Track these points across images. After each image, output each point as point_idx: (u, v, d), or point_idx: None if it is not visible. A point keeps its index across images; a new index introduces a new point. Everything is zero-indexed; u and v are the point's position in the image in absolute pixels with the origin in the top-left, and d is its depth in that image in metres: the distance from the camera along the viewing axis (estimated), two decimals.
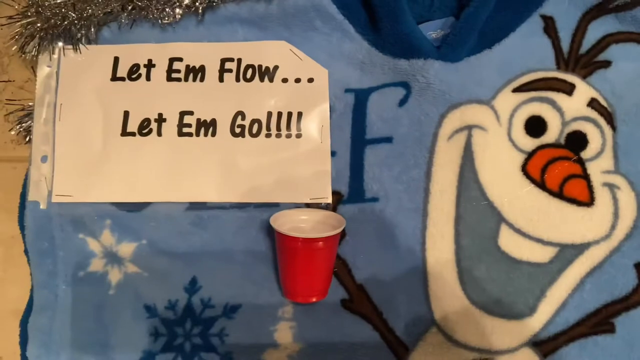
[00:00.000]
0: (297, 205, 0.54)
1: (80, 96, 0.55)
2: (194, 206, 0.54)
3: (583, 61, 0.54)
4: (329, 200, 0.54)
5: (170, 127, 0.54)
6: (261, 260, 0.54)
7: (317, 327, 0.52)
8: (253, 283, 0.53)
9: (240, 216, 0.54)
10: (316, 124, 0.54)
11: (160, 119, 0.54)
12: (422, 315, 0.52)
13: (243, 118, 0.54)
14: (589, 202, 0.51)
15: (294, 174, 0.54)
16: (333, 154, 0.54)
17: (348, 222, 0.53)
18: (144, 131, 0.54)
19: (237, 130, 0.54)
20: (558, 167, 0.52)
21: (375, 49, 0.55)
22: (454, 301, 0.52)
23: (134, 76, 0.55)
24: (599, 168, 0.51)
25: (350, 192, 0.54)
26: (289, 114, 0.54)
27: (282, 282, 0.52)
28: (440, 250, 0.52)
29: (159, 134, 0.54)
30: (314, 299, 0.51)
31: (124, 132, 0.54)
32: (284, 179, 0.54)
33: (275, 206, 0.54)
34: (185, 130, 0.54)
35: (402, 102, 0.54)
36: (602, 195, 0.51)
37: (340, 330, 0.52)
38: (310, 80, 0.55)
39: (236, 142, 0.54)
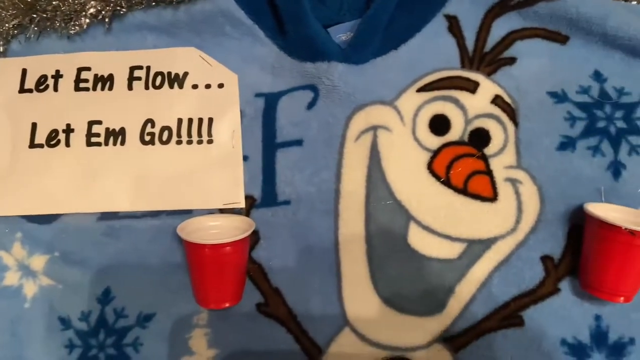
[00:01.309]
0: (211, 211, 0.54)
1: None
2: (106, 216, 0.54)
3: (488, 59, 0.55)
4: (242, 204, 0.54)
5: (78, 137, 0.54)
6: (177, 268, 0.53)
7: (233, 333, 0.52)
8: (169, 291, 0.53)
9: (154, 224, 0.54)
10: (227, 129, 0.54)
11: (69, 130, 0.54)
12: (335, 316, 0.52)
13: (153, 125, 0.54)
14: (493, 197, 0.52)
15: (207, 179, 0.54)
16: (245, 158, 0.54)
17: (262, 226, 0.53)
18: (52, 142, 0.54)
19: (147, 138, 0.54)
20: (462, 164, 0.52)
21: (284, 52, 0.55)
22: (366, 300, 0.52)
23: (41, 87, 0.55)
24: (501, 164, 0.52)
25: (263, 196, 0.54)
26: (200, 120, 0.54)
27: (194, 289, 0.51)
28: (352, 250, 0.52)
29: (67, 144, 0.54)
30: (226, 305, 0.51)
31: (32, 144, 0.54)
32: (197, 185, 0.54)
33: (188, 213, 0.54)
34: (93, 140, 0.54)
35: (311, 105, 0.54)
36: (505, 190, 0.52)
37: (256, 335, 0.52)
38: (221, 85, 0.55)
39: (146, 150, 0.54)
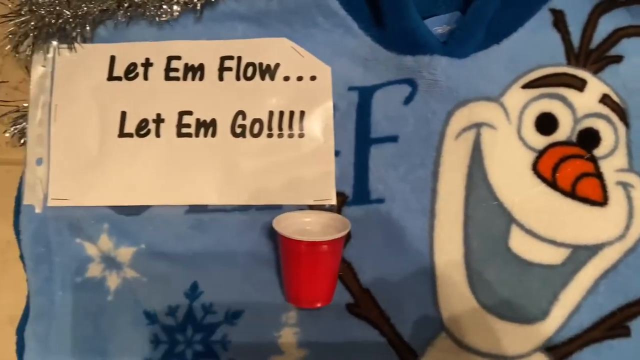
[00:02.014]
0: (301, 207, 0.52)
1: (75, 96, 0.53)
2: (194, 209, 0.52)
3: (594, 56, 0.52)
4: (333, 201, 0.52)
5: (168, 127, 0.52)
6: (263, 264, 0.52)
7: (322, 333, 0.51)
8: (255, 288, 0.52)
9: (242, 219, 0.52)
10: (319, 123, 0.53)
11: (159, 120, 0.53)
12: (431, 320, 0.50)
13: (244, 118, 0.53)
14: (603, 201, 0.49)
15: (297, 175, 0.52)
16: (337, 153, 0.52)
17: (353, 224, 0.51)
18: (142, 132, 0.52)
19: (238, 130, 0.53)
20: (570, 165, 0.50)
21: (379, 45, 0.53)
22: (463, 305, 0.50)
23: (131, 75, 0.53)
24: (612, 166, 0.50)
25: (355, 193, 0.52)
26: (291, 113, 0.53)
27: (286, 287, 0.50)
28: (448, 252, 0.50)
29: (157, 134, 0.52)
30: (318, 305, 0.49)
31: (121, 133, 0.52)
32: (287, 180, 0.52)
33: (277, 208, 0.52)
34: (184, 130, 0.52)
35: (408, 100, 0.52)
36: (616, 195, 0.49)
37: (346, 336, 0.51)
38: (313, 78, 0.53)
39: (237, 142, 0.52)
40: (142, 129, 0.52)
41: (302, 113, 0.53)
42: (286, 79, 0.53)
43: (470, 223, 0.50)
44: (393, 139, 0.52)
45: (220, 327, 0.51)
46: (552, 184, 0.50)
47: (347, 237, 0.52)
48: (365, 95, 0.53)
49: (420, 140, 0.52)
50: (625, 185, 0.49)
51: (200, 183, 0.52)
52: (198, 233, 0.52)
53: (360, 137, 0.52)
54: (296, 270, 0.48)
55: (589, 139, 0.50)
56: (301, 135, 0.53)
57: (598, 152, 0.50)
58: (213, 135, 0.52)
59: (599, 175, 0.50)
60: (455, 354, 0.49)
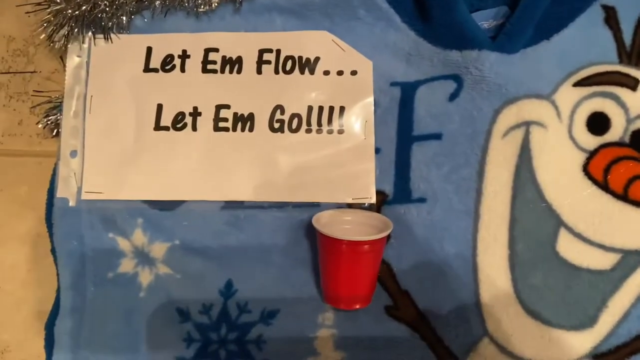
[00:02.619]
0: (339, 206, 0.51)
1: (111, 88, 0.52)
2: (230, 205, 0.51)
3: None
4: (373, 200, 0.50)
5: (205, 121, 0.51)
6: (300, 263, 0.51)
7: (360, 335, 0.49)
8: (292, 287, 0.50)
9: (279, 216, 0.51)
10: (359, 119, 0.51)
11: (196, 113, 0.51)
12: (473, 325, 0.48)
13: (282, 112, 0.51)
14: None
15: (336, 172, 0.51)
16: (377, 151, 0.51)
17: (394, 224, 0.50)
18: (178, 125, 0.51)
19: (276, 125, 0.51)
20: (622, 167, 0.48)
21: (424, 39, 0.51)
22: (507, 310, 0.48)
23: (167, 67, 0.52)
24: None
25: (396, 191, 0.50)
26: (331, 109, 0.51)
27: (324, 287, 0.48)
28: (492, 255, 0.49)
29: (194, 128, 0.51)
30: (357, 306, 0.48)
31: (157, 126, 0.51)
32: (325, 178, 0.51)
33: (315, 206, 0.51)
34: (221, 124, 0.51)
35: (453, 97, 0.50)
36: None
37: (384, 339, 0.49)
38: (354, 72, 0.52)
39: (275, 137, 0.51)
40: (178, 122, 0.51)
41: (342, 108, 0.51)
42: (326, 73, 0.52)
43: (516, 225, 0.49)
44: (437, 136, 0.50)
45: (256, 327, 0.50)
46: (604, 186, 0.48)
47: (387, 237, 0.50)
48: (407, 91, 0.51)
49: (465, 139, 0.50)
50: None
51: (236, 179, 0.51)
52: (234, 230, 0.51)
53: (402, 134, 0.51)
54: (335, 270, 0.47)
55: None
56: (341, 132, 0.51)
57: None
58: (251, 129, 0.51)
59: None
60: (498, 359, 0.48)
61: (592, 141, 0.49)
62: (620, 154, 0.48)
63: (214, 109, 0.51)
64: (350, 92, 0.52)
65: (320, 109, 0.51)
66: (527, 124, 0.49)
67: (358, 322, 0.50)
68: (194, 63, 0.52)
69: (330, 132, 0.51)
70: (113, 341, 0.51)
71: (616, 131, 0.49)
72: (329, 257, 0.47)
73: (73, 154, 0.52)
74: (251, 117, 0.51)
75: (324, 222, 0.49)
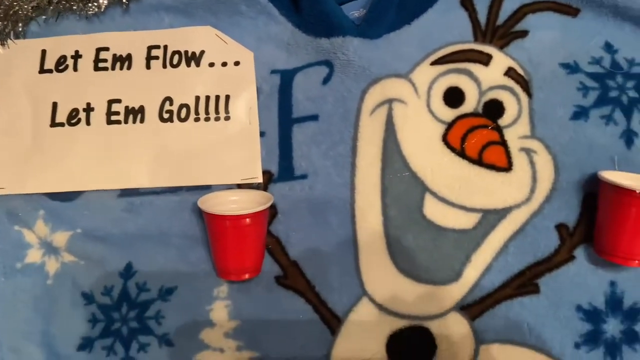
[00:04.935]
0: (229, 187, 0.55)
1: (8, 90, 0.55)
2: (126, 193, 0.55)
3: (500, 32, 0.55)
4: (260, 179, 0.55)
5: (98, 115, 0.55)
6: (196, 242, 0.54)
7: (252, 304, 0.53)
8: (189, 265, 0.54)
9: (173, 200, 0.55)
10: (244, 106, 0.55)
11: (89, 108, 0.55)
12: (354, 287, 0.53)
13: (171, 103, 0.55)
14: (508, 167, 0.52)
15: (224, 155, 0.55)
16: (262, 134, 0.55)
17: (280, 201, 0.54)
18: (73, 121, 0.55)
19: (166, 115, 0.55)
20: (477, 135, 0.53)
21: (299, 29, 0.56)
22: (383, 271, 0.53)
23: (61, 67, 0.56)
24: (516, 134, 0.53)
25: (280, 170, 0.55)
26: (217, 98, 0.55)
27: (215, 262, 0.52)
28: (369, 222, 0.53)
29: (88, 122, 0.55)
30: (246, 276, 0.51)
31: (53, 123, 0.55)
32: (215, 161, 0.55)
33: (207, 188, 0.55)
34: (113, 118, 0.55)
35: (326, 80, 0.55)
36: (519, 160, 0.52)
37: (275, 306, 0.53)
38: (237, 63, 0.56)
39: (165, 127, 0.55)
40: (72, 118, 0.55)
41: (228, 97, 0.55)
42: (211, 65, 0.56)
43: (387, 194, 0.53)
44: (314, 117, 0.55)
45: (154, 304, 0.54)
46: (461, 153, 0.53)
47: (274, 213, 0.54)
48: (286, 77, 0.56)
49: (339, 118, 0.54)
50: (528, 151, 0.53)
51: (131, 167, 0.54)
52: (131, 216, 0.55)
53: (283, 117, 0.55)
54: (223, 244, 0.51)
55: (493, 109, 0.53)
56: (227, 118, 0.55)
57: (502, 121, 0.53)
58: (142, 121, 0.55)
59: (503, 143, 0.53)
60: (376, 317, 0.52)
61: (449, 113, 0.54)
62: (474, 124, 0.53)
63: (106, 104, 0.55)
64: (235, 81, 0.56)
65: (207, 98, 0.55)
66: (390, 101, 0.54)
67: (250, 293, 0.54)
68: (86, 62, 0.56)
69: (217, 119, 0.55)
70: (24, 326, 0.54)
71: (470, 103, 0.54)
72: (215, 233, 0.51)
73: None
74: (142, 109, 0.55)
75: (212, 203, 0.52)
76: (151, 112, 0.55)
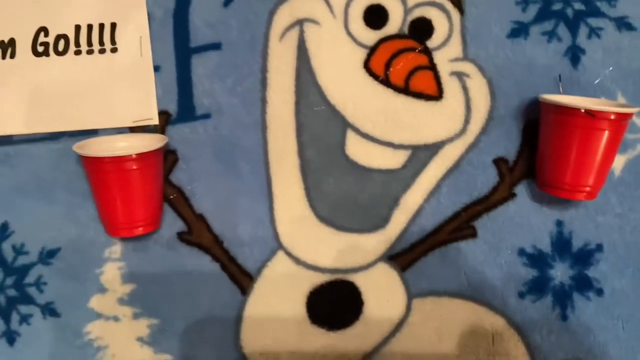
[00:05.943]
0: (120, 131, 0.47)
1: None
2: None
3: None
4: (156, 121, 0.47)
5: None
6: (85, 198, 0.47)
7: (150, 265, 0.46)
8: (76, 223, 0.47)
9: (55, 148, 0.47)
10: (133, 35, 0.47)
11: None
12: (268, 240, 0.46)
13: (46, 34, 0.47)
14: (438, 95, 0.46)
15: (113, 94, 0.47)
16: (156, 68, 0.47)
17: (180, 145, 0.47)
18: None
19: (40, 49, 0.47)
20: (403, 59, 0.46)
21: None
22: (301, 220, 0.46)
23: None
24: (446, 56, 0.46)
25: (180, 110, 0.47)
26: (101, 26, 0.47)
27: (101, 216, 0.45)
28: (284, 166, 0.46)
29: None
30: (139, 230, 0.44)
31: None
32: (101, 102, 0.47)
33: (93, 133, 0.47)
34: None
35: (228, 2, 0.47)
36: (451, 87, 0.46)
37: (177, 266, 0.46)
38: None
39: (40, 62, 0.46)
40: None
41: (114, 25, 0.47)
42: None
43: (303, 131, 0.46)
44: (216, 46, 0.47)
45: (34, 268, 0.46)
46: (385, 81, 0.46)
47: (175, 159, 0.47)
48: (181, 0, 0.47)
49: (245, 46, 0.47)
50: (460, 76, 0.46)
51: (1, 111, 0.46)
52: (5, 168, 0.47)
53: (180, 47, 0.47)
54: (105, 193, 0.43)
55: (421, 29, 0.46)
56: (114, 50, 0.47)
57: (431, 42, 0.46)
58: (12, 56, 0.46)
59: (432, 68, 0.46)
60: (294, 272, 0.46)
61: (371, 36, 0.46)
62: (400, 47, 0.46)
63: None
64: (121, 6, 0.47)
65: (90, 27, 0.47)
66: (301, 22, 0.46)
67: (148, 253, 0.46)
68: None
69: (102, 51, 0.47)
70: None
71: (395, 23, 0.46)
72: (96, 179, 0.43)
73: None
74: (12, 42, 0.47)
75: (95, 149, 0.44)
76: (23, 46, 0.47)
